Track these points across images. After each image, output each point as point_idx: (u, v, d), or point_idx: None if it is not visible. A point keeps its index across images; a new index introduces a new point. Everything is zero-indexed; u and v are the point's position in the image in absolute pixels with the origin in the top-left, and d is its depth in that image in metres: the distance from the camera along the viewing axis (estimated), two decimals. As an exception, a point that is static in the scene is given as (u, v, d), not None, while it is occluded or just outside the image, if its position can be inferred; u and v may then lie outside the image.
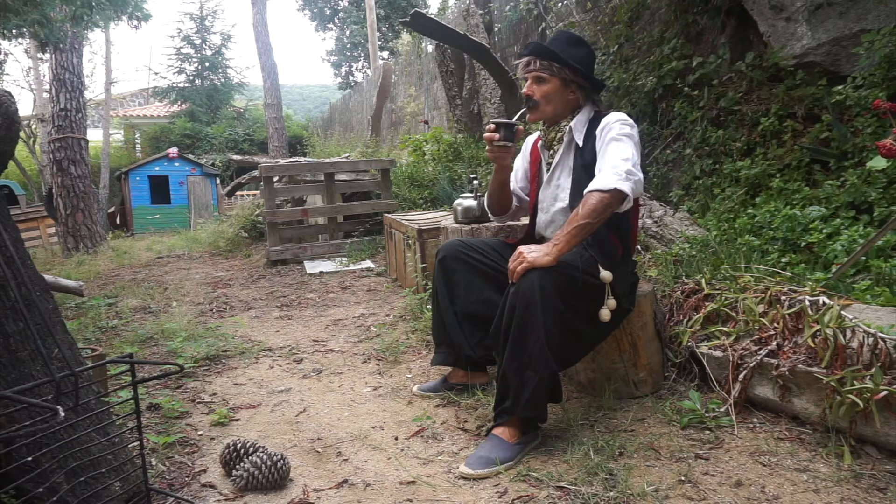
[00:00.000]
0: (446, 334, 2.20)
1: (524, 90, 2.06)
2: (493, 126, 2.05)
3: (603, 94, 4.81)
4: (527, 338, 1.74)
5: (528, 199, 2.31)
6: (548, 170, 2.13)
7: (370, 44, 14.80)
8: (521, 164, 2.36)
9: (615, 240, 1.96)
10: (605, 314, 1.86)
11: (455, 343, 2.18)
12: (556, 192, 2.09)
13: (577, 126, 2.04)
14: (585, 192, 1.82)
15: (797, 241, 2.59)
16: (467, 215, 3.34)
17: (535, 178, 2.23)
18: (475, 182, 3.42)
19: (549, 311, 1.73)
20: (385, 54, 19.99)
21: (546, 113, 2.07)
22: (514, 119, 2.10)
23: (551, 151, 2.13)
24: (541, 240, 2.21)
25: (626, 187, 1.77)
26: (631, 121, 1.96)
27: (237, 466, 1.71)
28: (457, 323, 2.16)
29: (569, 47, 2.02)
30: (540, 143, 2.21)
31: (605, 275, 1.86)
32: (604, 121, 1.97)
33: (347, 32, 22.82)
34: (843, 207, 2.65)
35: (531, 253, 1.77)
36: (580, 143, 2.02)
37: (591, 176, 1.90)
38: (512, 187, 2.31)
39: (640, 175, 1.85)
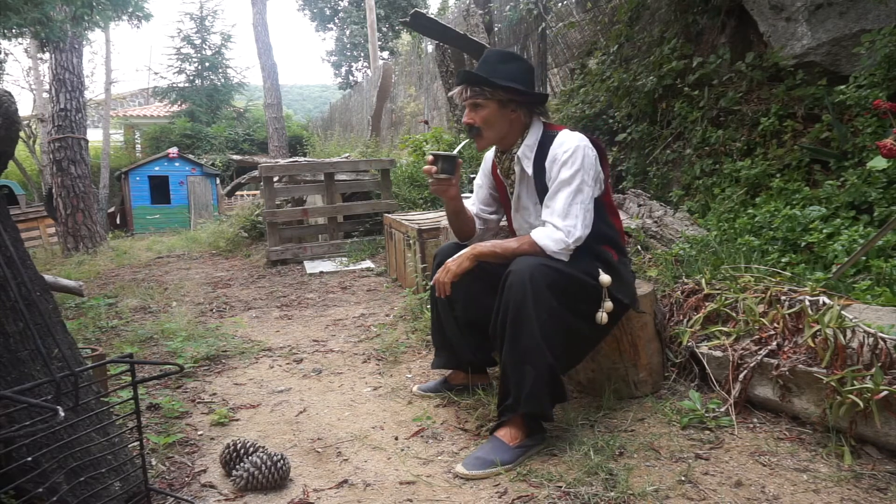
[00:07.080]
0: (447, 340, 2.20)
1: (464, 119, 1.99)
2: (430, 158, 2.00)
3: (602, 95, 4.81)
4: (521, 332, 1.74)
5: (493, 218, 2.25)
6: (511, 196, 2.10)
7: (370, 44, 14.80)
8: (483, 184, 2.25)
9: (609, 249, 1.96)
10: (602, 317, 1.86)
11: (456, 348, 2.18)
12: (527, 218, 2.06)
13: (524, 153, 1.97)
14: (532, 232, 1.86)
15: (797, 241, 2.59)
16: (467, 215, 3.33)
17: (506, 199, 2.17)
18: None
19: (540, 305, 1.73)
20: (385, 54, 20.00)
21: (491, 139, 2.00)
22: (457, 150, 2.03)
23: (510, 181, 2.09)
24: None
25: (559, 256, 1.83)
26: (581, 143, 1.86)
27: (237, 466, 1.71)
28: (457, 328, 2.15)
29: (499, 65, 1.93)
30: (498, 169, 2.15)
31: (604, 279, 1.86)
32: (552, 151, 1.89)
33: (347, 32, 22.83)
34: (843, 207, 2.65)
35: (452, 261, 1.89)
36: (530, 173, 1.96)
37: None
38: (474, 211, 2.23)
39: (583, 236, 1.84)
